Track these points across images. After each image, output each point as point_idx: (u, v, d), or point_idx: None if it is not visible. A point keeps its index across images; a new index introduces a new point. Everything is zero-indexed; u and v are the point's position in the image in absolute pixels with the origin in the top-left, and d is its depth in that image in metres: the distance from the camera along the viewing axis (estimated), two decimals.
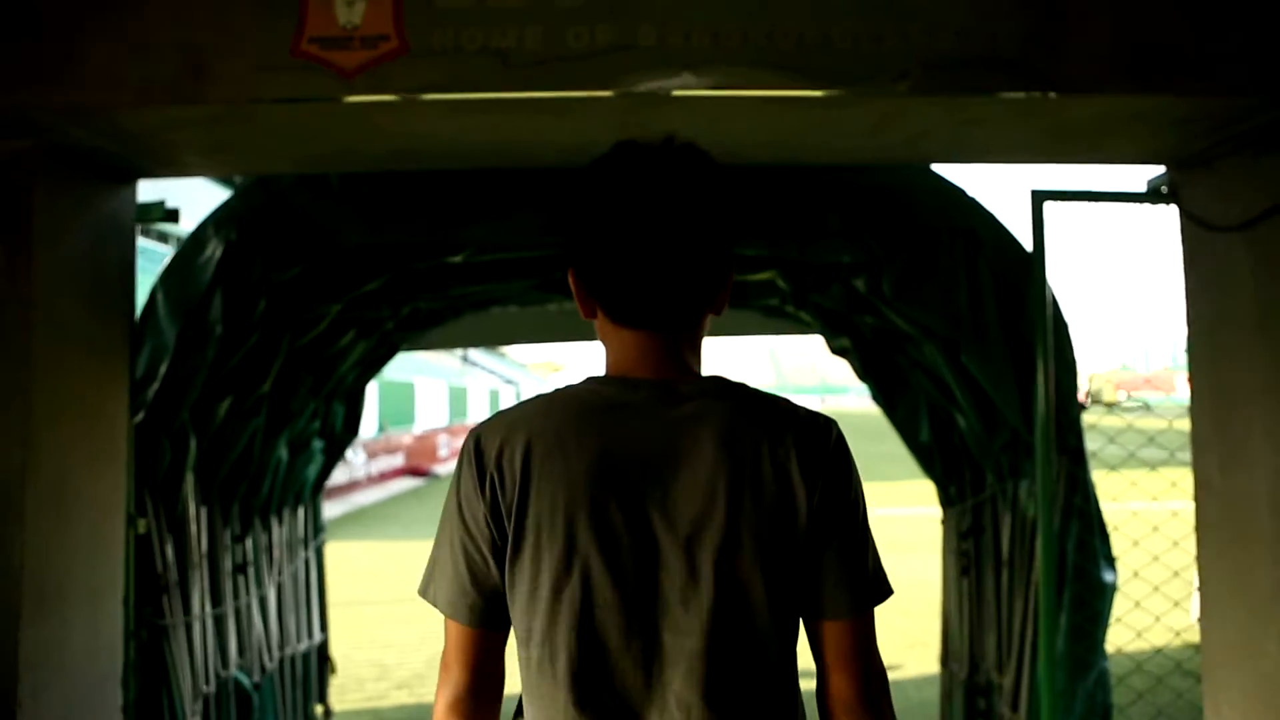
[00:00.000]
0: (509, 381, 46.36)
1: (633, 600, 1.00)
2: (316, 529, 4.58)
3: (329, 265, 3.13)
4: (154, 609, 2.92)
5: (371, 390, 17.67)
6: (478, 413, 27.38)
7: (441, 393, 23.52)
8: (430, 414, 22.16)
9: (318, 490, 4.53)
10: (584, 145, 1.60)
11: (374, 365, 4.40)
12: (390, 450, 18.26)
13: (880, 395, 3.78)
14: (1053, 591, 2.57)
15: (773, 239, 3.02)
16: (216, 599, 3.42)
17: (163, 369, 2.82)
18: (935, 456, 3.60)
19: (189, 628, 3.13)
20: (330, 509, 14.73)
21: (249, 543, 3.73)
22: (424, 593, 1.11)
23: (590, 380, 1.10)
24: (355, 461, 16.36)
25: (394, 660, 6.01)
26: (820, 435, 1.06)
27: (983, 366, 2.84)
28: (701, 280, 1.09)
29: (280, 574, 4.04)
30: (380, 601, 7.61)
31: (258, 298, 2.97)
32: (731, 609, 1.00)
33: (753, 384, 1.11)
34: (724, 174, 1.10)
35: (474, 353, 55.40)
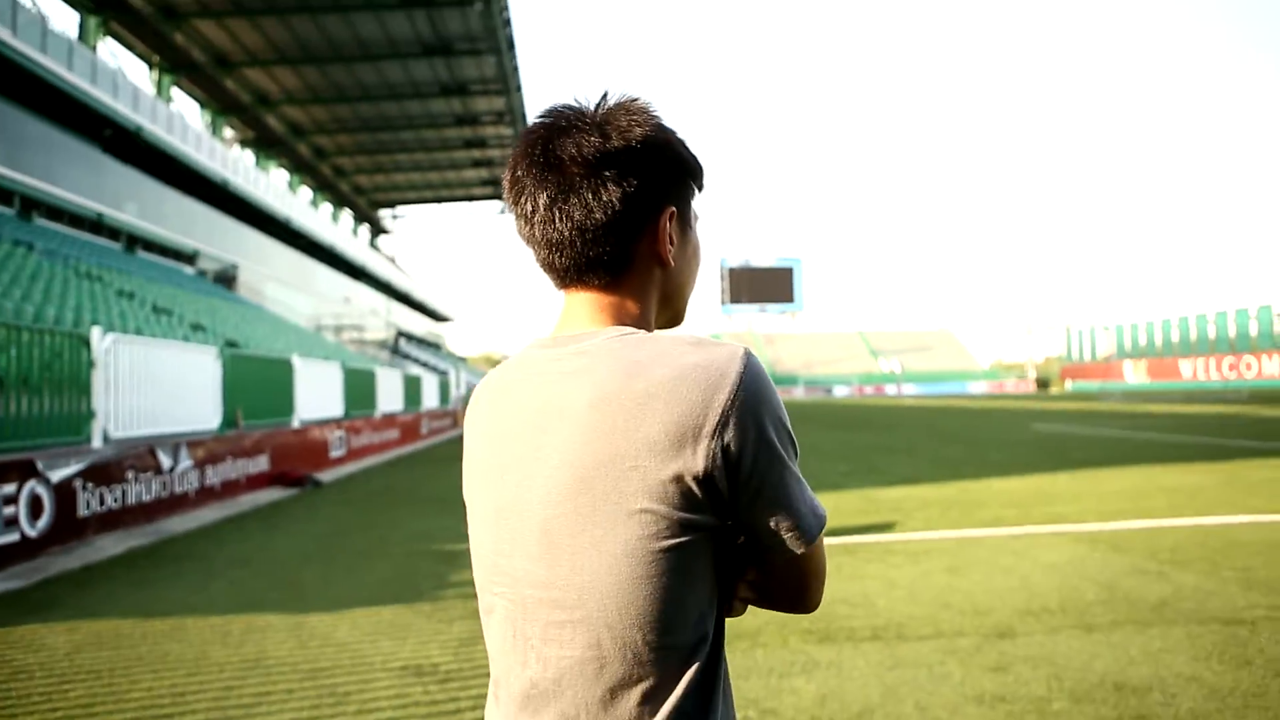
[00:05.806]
0: (439, 372, 40.95)
1: (504, 558, 1.00)
2: None
3: None
4: None
5: (211, 369, 11.52)
6: (389, 402, 22.08)
7: (334, 376, 18.22)
8: (317, 403, 16.89)
9: None
10: None
11: None
12: (242, 452, 13.01)
13: None
14: None
15: None
16: None
17: None
18: None
19: None
20: (111, 543, 9.51)
21: None
22: None
23: (533, 341, 1.10)
24: (175, 468, 11.11)
25: None
26: (714, 384, 0.91)
27: None
28: (600, 237, 1.00)
29: None
30: None
31: None
32: (585, 571, 0.93)
33: (670, 334, 0.99)
34: (642, 122, 1.01)
35: (404, 343, 50.29)
